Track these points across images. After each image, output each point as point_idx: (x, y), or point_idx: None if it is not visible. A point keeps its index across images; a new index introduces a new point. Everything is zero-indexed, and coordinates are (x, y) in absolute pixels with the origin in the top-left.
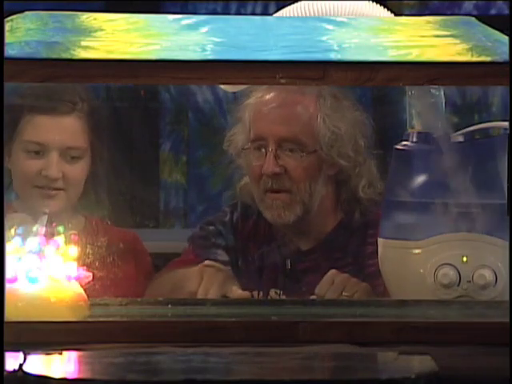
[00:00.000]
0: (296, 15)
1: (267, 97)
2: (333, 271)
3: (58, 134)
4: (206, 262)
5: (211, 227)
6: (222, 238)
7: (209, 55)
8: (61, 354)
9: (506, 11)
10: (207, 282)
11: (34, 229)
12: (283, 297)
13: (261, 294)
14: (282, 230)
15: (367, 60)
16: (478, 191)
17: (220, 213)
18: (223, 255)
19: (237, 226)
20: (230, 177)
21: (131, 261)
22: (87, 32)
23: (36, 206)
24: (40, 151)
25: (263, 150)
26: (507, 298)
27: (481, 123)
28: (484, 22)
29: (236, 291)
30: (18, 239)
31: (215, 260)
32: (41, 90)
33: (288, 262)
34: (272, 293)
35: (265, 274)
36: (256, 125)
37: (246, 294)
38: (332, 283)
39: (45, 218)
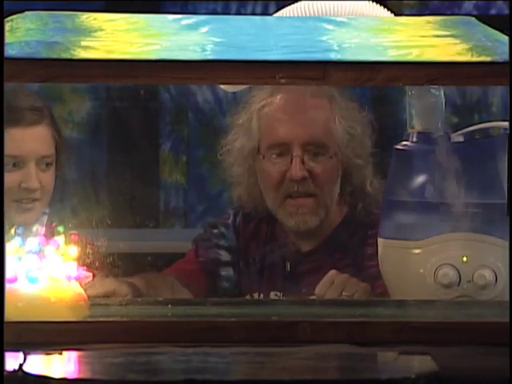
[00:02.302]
0: (296, 15)
1: (280, 102)
2: (333, 271)
3: (32, 144)
4: None
5: (215, 230)
6: (225, 240)
7: (209, 55)
8: (61, 354)
9: (506, 11)
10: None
11: (34, 229)
12: (283, 299)
13: (261, 296)
14: (284, 232)
15: (367, 60)
16: (478, 191)
17: (224, 215)
18: (226, 256)
19: (239, 228)
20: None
21: None
22: (87, 32)
23: (13, 220)
24: (16, 164)
25: (286, 155)
26: (507, 298)
27: (481, 123)
28: (484, 22)
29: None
30: (17, 239)
31: (218, 260)
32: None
33: (288, 265)
34: (272, 295)
35: (266, 276)
36: (274, 131)
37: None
38: (332, 283)
39: (45, 218)
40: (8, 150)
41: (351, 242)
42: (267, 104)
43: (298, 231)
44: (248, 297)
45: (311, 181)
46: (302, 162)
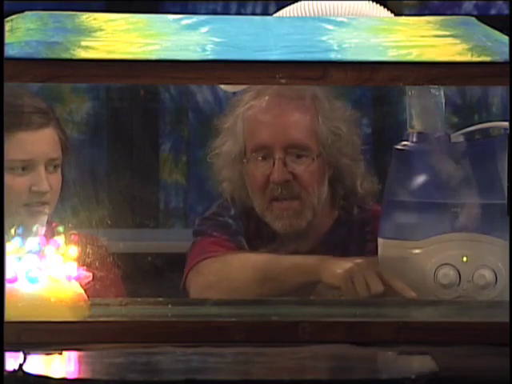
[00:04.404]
0: (296, 15)
1: (263, 104)
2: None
3: (41, 147)
4: None
5: (220, 218)
6: (238, 227)
7: (209, 55)
8: (61, 354)
9: (506, 11)
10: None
11: (34, 229)
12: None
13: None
14: (299, 238)
15: (367, 60)
16: (478, 191)
17: (222, 206)
18: (243, 241)
19: (242, 220)
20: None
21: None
22: (87, 32)
23: (23, 224)
24: (25, 167)
25: (269, 158)
26: (507, 298)
27: (481, 123)
28: (484, 22)
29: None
30: (17, 239)
31: (238, 242)
32: (11, 106)
33: None
34: None
35: None
36: (257, 134)
37: None
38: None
39: (45, 218)
40: (17, 153)
41: (348, 240)
42: (251, 107)
43: (287, 234)
44: None
45: (295, 183)
46: (285, 164)
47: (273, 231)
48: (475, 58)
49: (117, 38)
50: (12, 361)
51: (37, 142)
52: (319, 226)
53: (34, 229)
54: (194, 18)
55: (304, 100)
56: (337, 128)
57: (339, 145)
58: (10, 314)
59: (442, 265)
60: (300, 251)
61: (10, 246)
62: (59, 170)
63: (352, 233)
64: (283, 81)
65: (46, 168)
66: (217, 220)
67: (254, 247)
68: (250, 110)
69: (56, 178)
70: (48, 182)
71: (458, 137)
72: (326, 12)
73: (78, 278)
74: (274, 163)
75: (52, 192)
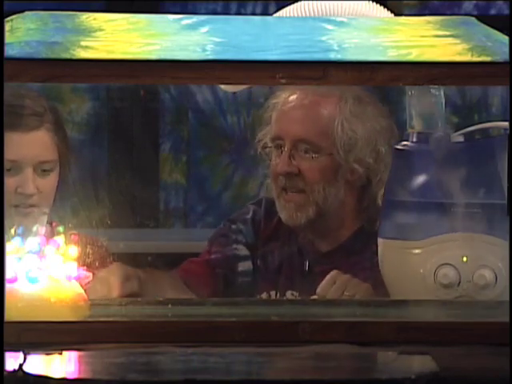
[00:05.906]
0: (296, 15)
1: (290, 97)
2: (335, 271)
3: (30, 149)
4: None
5: (233, 225)
6: (243, 236)
7: (209, 55)
8: (61, 354)
9: (506, 11)
10: None
11: (34, 229)
12: (299, 299)
13: (278, 294)
14: (302, 231)
15: (367, 60)
16: (478, 191)
17: (244, 209)
18: (243, 252)
19: (259, 224)
20: (230, 177)
21: None
22: (87, 32)
23: (13, 225)
24: (13, 168)
25: (280, 149)
26: (507, 298)
27: (481, 123)
28: (484, 22)
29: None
30: (17, 239)
31: (234, 257)
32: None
33: (306, 264)
34: (288, 294)
35: (283, 274)
36: (276, 124)
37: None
38: (334, 283)
39: (45, 218)
40: (5, 154)
41: (370, 247)
42: (281, 98)
43: (311, 231)
44: (264, 295)
45: (300, 177)
46: (292, 157)
47: (294, 229)
48: (475, 58)
49: (117, 37)
50: (12, 361)
51: (26, 145)
52: (340, 229)
53: (34, 229)
54: (194, 18)
55: (328, 98)
56: (354, 132)
57: (355, 150)
58: (10, 314)
59: (442, 265)
60: (321, 251)
61: (10, 246)
62: (53, 173)
63: (375, 242)
64: (283, 81)
65: (35, 170)
66: (227, 228)
67: (269, 243)
68: (279, 101)
69: (47, 181)
70: (35, 184)
71: (457, 137)
72: (326, 12)
73: (78, 278)
74: (282, 154)
75: (41, 195)
